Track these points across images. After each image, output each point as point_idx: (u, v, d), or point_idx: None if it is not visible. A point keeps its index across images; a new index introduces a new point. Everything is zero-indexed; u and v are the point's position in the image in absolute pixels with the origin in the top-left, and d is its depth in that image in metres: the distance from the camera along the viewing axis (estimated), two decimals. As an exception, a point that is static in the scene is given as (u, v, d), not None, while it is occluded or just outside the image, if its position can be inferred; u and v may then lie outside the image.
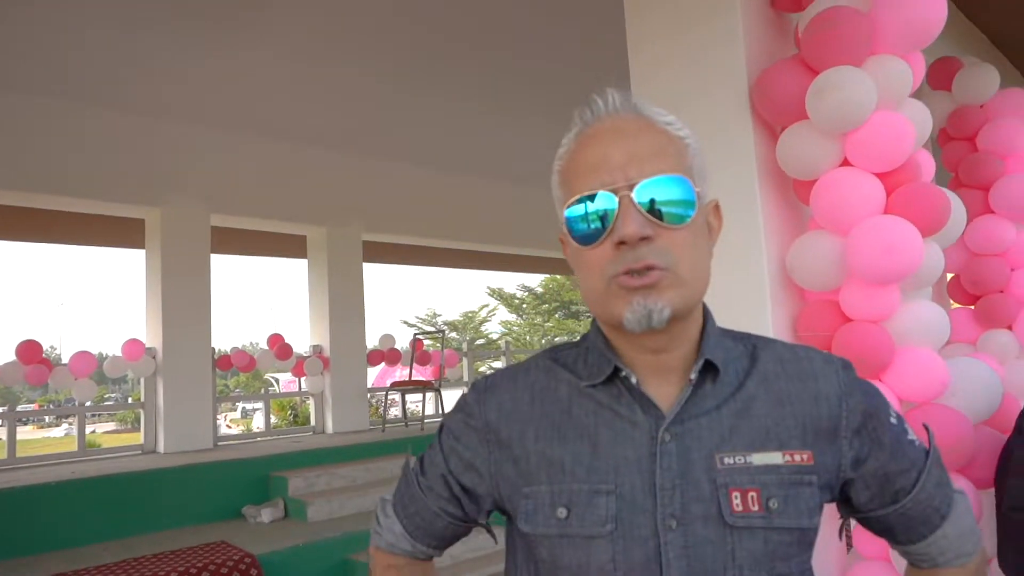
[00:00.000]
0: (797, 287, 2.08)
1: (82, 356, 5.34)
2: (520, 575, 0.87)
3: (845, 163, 1.88)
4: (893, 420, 0.86)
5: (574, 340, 0.91)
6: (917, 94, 2.02)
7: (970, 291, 2.83)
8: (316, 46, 4.64)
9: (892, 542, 0.90)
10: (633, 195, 0.74)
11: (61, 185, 5.19)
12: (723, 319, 2.11)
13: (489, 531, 0.96)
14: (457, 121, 6.13)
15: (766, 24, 2.18)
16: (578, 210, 0.77)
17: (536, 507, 0.80)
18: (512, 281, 31.05)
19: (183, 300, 5.76)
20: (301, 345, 7.05)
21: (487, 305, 25.22)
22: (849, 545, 0.92)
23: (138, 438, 5.77)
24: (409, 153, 6.92)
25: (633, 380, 0.80)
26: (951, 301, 3.03)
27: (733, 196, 2.05)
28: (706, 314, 0.86)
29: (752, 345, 0.87)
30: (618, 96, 0.80)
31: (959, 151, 2.85)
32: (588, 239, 0.76)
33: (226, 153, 6.05)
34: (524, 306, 23.97)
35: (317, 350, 6.80)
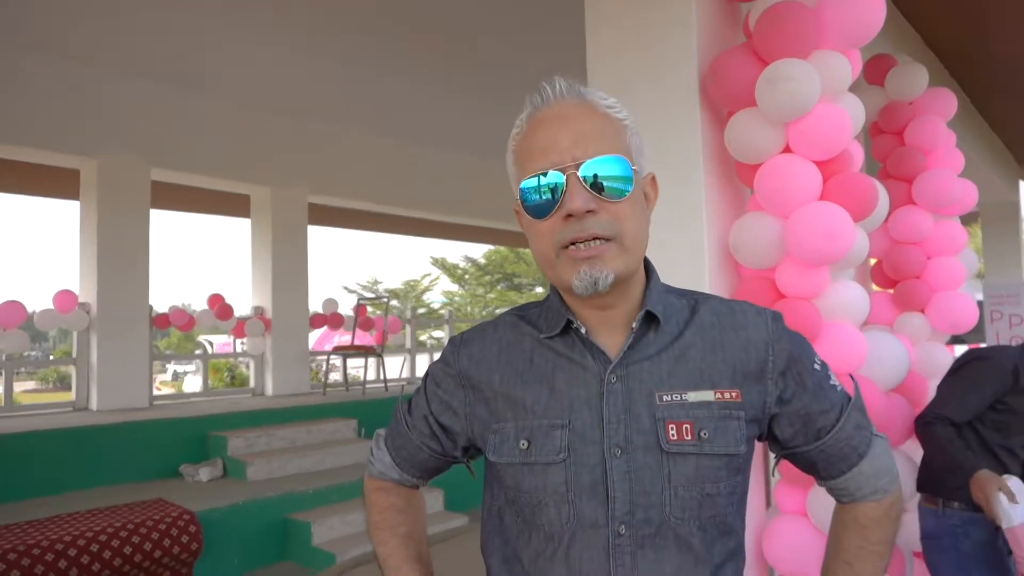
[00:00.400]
0: (734, 264, 2.21)
1: (11, 306, 5.14)
2: (495, 501, 1.01)
3: (787, 150, 2.01)
4: (817, 366, 0.98)
5: (533, 301, 1.05)
6: (853, 88, 2.16)
7: (890, 276, 3.05)
8: (266, 14, 4.55)
9: (816, 477, 1.03)
10: (579, 173, 0.85)
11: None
12: (667, 290, 2.22)
13: (468, 466, 1.10)
14: (408, 92, 6.09)
15: (717, 12, 2.28)
16: (531, 186, 0.88)
17: (502, 440, 0.94)
18: (455, 251, 31.03)
19: (120, 254, 5.61)
20: (241, 306, 6.96)
21: (429, 274, 25.16)
22: (772, 475, 1.06)
23: (60, 397, 5.63)
24: (358, 119, 6.84)
25: (583, 331, 0.92)
26: (872, 284, 3.25)
27: (678, 176, 2.16)
28: (650, 272, 0.98)
29: (694, 300, 0.99)
30: (564, 83, 0.91)
31: (888, 144, 3.04)
32: (540, 212, 0.88)
33: (170, 107, 5.86)
34: (467, 276, 24.02)
35: (258, 311, 6.72)
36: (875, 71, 3.06)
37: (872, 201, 2.01)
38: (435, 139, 7.57)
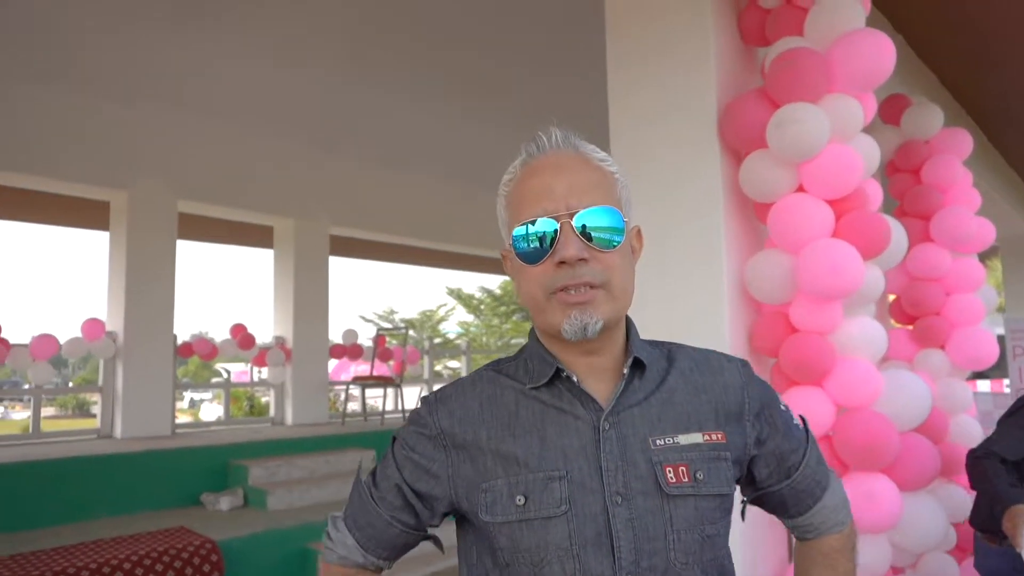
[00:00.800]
0: (752, 299, 2.25)
1: (44, 338, 5.27)
2: (476, 571, 0.96)
3: (800, 189, 2.07)
4: (783, 408, 1.04)
5: (507, 356, 1.04)
6: (869, 127, 2.22)
7: (909, 312, 3.06)
8: (289, 44, 4.70)
9: (784, 516, 1.07)
10: (572, 222, 0.88)
11: (27, 164, 5.13)
12: (686, 326, 2.28)
13: (436, 542, 1.04)
14: (425, 123, 6.23)
15: (736, 55, 2.36)
16: (524, 232, 0.90)
17: (495, 498, 0.90)
18: (471, 282, 31.13)
19: (147, 284, 5.73)
20: (262, 335, 7.05)
21: (445, 304, 25.24)
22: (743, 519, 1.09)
23: (80, 424, 5.70)
24: (378, 152, 6.98)
25: (575, 379, 0.92)
26: (892, 321, 3.27)
27: (698, 213, 2.22)
28: (629, 323, 1.00)
29: (668, 350, 1.02)
30: (560, 134, 0.94)
31: (905, 182, 3.09)
32: (533, 257, 0.89)
33: (197, 140, 6.03)
34: (482, 307, 24.08)
35: (279, 341, 6.81)
36: (891, 111, 3.12)
37: (883, 239, 2.06)
38: (453, 172, 7.70)
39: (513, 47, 4.74)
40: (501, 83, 5.32)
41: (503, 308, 23.47)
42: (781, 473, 1.02)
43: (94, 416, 5.72)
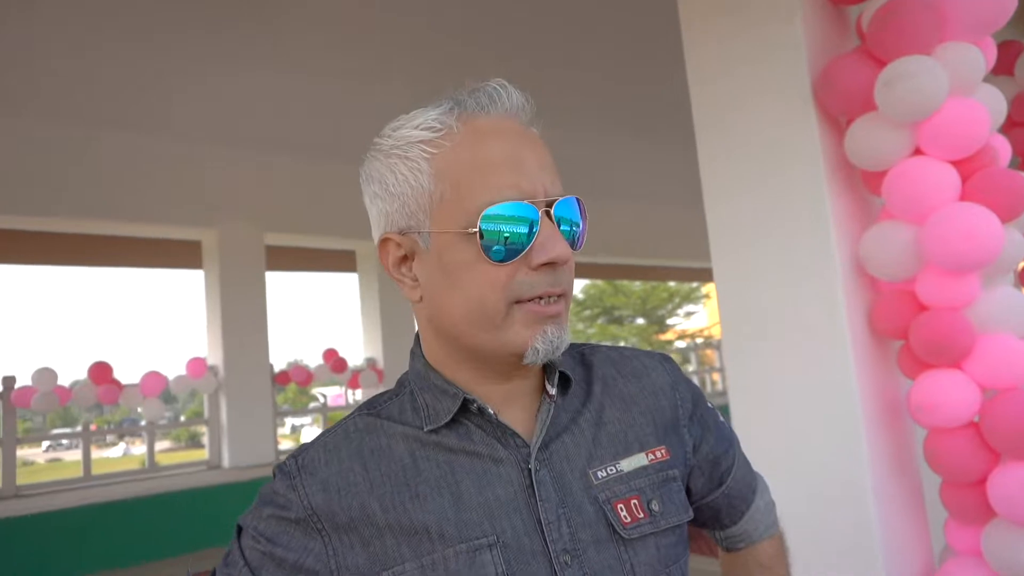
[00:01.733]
0: (870, 279, 2.06)
1: (152, 376, 5.52)
2: None
3: (918, 152, 1.87)
4: (710, 404, 0.88)
5: (383, 392, 0.80)
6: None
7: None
8: (358, 66, 4.75)
9: (718, 527, 0.91)
10: (553, 212, 0.68)
11: (124, 211, 5.39)
12: (798, 314, 2.11)
13: None
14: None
15: (825, 19, 2.18)
16: (501, 216, 0.65)
17: None
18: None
19: (242, 318, 5.92)
20: (354, 358, 7.17)
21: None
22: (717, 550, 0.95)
23: (192, 455, 5.93)
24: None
25: (491, 412, 0.71)
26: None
27: (801, 192, 2.05)
28: None
29: (580, 352, 0.83)
30: (518, 95, 0.71)
31: (1025, 136, 2.80)
32: (504, 254, 0.66)
33: (276, 173, 6.20)
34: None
35: (371, 363, 6.91)
36: (1003, 60, 2.83)
37: (1022, 197, 1.83)
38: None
39: (573, 45, 4.64)
40: (562, 80, 5.23)
41: (587, 312, 23.24)
42: (715, 480, 0.86)
43: (205, 447, 5.94)
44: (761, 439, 2.11)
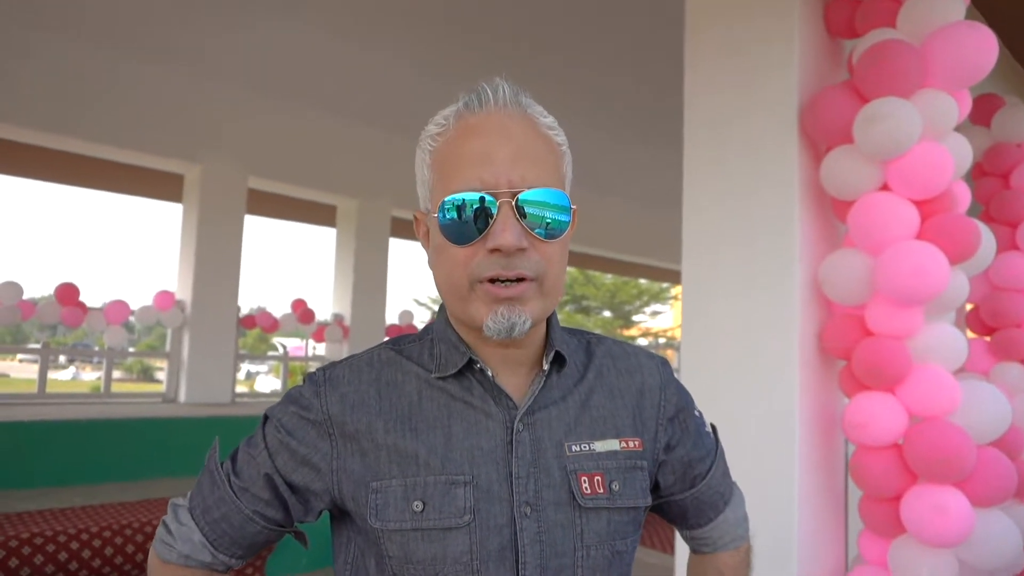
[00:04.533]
0: (825, 299, 2.19)
1: (117, 304, 5.50)
2: (355, 572, 0.84)
3: (885, 187, 1.99)
4: (697, 413, 0.96)
5: (408, 334, 0.91)
6: (958, 128, 2.12)
7: (988, 323, 2.93)
8: (358, 26, 4.75)
9: (683, 527, 1.00)
10: (514, 203, 0.74)
11: (106, 134, 5.32)
12: (754, 323, 2.23)
13: (300, 537, 0.90)
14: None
15: (819, 48, 2.28)
16: (455, 203, 0.75)
17: (387, 501, 0.78)
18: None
19: (216, 257, 5.92)
20: (321, 312, 7.21)
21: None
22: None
23: (144, 388, 5.94)
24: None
25: (489, 373, 0.81)
26: (968, 330, 3.13)
27: (774, 210, 2.16)
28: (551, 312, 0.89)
29: (587, 340, 0.93)
30: (508, 89, 0.79)
31: (992, 186, 2.95)
32: (461, 237, 0.75)
33: (267, 118, 6.17)
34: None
35: (338, 318, 6.95)
36: (981, 111, 2.97)
37: (972, 244, 1.97)
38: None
39: (589, 46, 4.69)
40: (580, 80, 5.28)
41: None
42: (686, 482, 0.94)
43: (158, 381, 5.94)
44: (703, 436, 2.24)
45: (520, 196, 0.74)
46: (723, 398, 2.24)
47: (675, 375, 0.96)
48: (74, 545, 3.24)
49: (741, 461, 2.16)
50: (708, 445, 0.96)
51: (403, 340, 0.89)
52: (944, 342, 1.99)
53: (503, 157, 0.75)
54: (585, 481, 0.80)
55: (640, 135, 6.73)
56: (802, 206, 2.14)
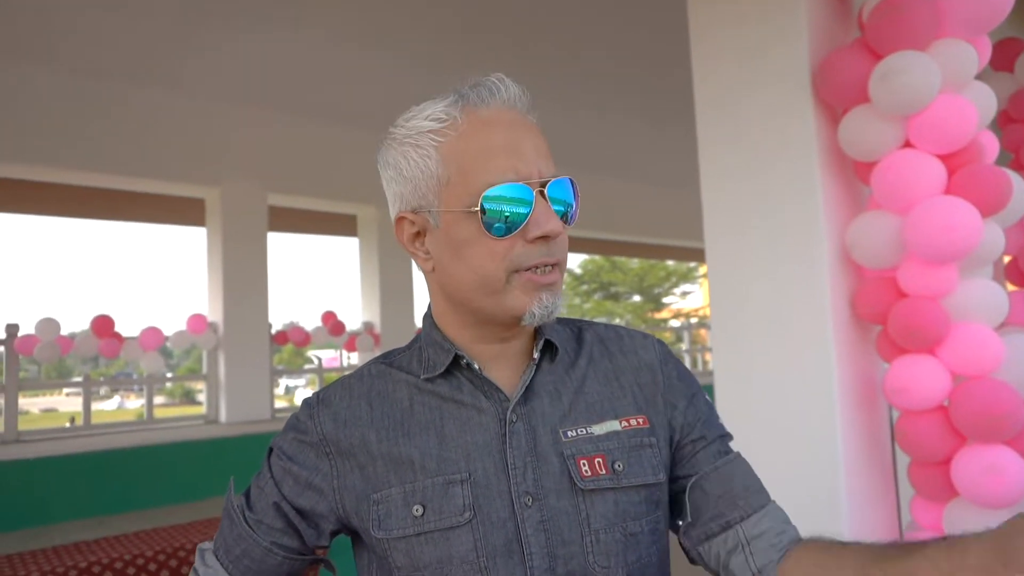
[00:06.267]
0: (854, 265, 2.14)
1: (151, 331, 5.60)
2: None
3: (907, 145, 1.94)
4: (705, 397, 0.91)
5: (400, 347, 0.92)
6: (980, 75, 2.05)
7: (1027, 273, 2.84)
8: (363, 33, 4.76)
9: (702, 530, 0.84)
10: (547, 191, 0.76)
11: (128, 166, 5.42)
12: (784, 296, 2.19)
13: (328, 565, 0.90)
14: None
15: (828, 8, 2.23)
16: (501, 197, 0.74)
17: (388, 510, 0.79)
18: (551, 263, 31.02)
19: (242, 277, 5.98)
20: (351, 322, 7.26)
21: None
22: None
23: (187, 411, 6.02)
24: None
25: (476, 367, 0.81)
26: (1007, 283, 3.04)
27: (795, 179, 2.12)
28: None
29: (577, 328, 0.92)
30: (516, 88, 0.80)
31: (1020, 133, 2.85)
32: (504, 229, 0.75)
33: (280, 134, 6.21)
34: (563, 287, 24.04)
35: (368, 327, 7.00)
36: (1002, 57, 2.88)
37: (1004, 194, 1.90)
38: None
39: (597, 27, 4.65)
40: (585, 63, 5.24)
41: (583, 287, 23.33)
42: (708, 459, 0.85)
43: (200, 403, 6.04)
44: (743, 412, 2.21)
45: (549, 184, 0.77)
46: (757, 374, 2.20)
47: (672, 355, 0.92)
48: (131, 571, 3.31)
49: (782, 438, 2.13)
50: (721, 430, 0.89)
51: (393, 353, 0.90)
52: (983, 298, 1.94)
53: (529, 148, 0.77)
54: (584, 464, 0.79)
55: (655, 115, 6.65)
56: (823, 172, 2.09)
